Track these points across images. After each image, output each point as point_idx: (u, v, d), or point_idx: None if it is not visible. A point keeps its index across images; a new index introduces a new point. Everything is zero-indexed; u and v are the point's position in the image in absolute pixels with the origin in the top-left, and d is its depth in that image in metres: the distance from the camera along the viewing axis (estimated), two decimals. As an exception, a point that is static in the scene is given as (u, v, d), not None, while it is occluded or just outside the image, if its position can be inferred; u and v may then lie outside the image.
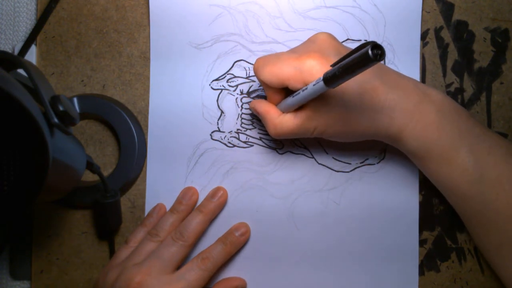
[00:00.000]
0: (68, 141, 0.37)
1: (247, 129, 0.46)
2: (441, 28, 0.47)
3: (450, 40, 0.47)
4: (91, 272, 0.46)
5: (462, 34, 0.47)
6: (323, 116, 0.39)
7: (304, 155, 0.46)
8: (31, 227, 0.46)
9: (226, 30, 0.46)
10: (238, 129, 0.46)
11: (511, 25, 0.47)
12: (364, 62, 0.31)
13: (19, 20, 0.48)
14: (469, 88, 0.47)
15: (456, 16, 0.47)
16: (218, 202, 0.45)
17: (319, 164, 0.46)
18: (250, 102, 0.46)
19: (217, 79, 0.46)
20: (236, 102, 0.46)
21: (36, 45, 0.47)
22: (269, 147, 0.46)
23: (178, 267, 0.42)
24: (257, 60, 0.41)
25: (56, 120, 0.32)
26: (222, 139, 0.46)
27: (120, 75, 0.47)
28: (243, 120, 0.46)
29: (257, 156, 0.46)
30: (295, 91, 0.39)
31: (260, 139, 0.46)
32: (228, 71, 0.46)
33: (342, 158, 0.46)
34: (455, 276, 0.47)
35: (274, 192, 0.46)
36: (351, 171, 0.46)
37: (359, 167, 0.46)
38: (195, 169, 0.46)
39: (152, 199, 0.46)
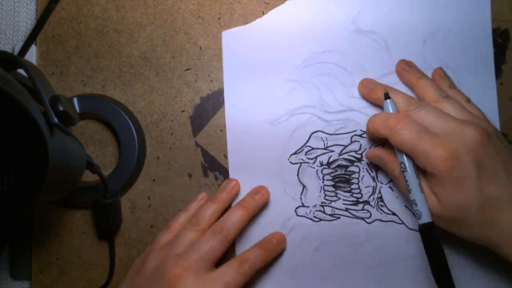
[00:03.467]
0: (68, 141, 0.37)
1: (331, 201, 0.45)
2: (441, 28, 0.47)
3: (450, 40, 0.47)
4: (91, 272, 0.46)
5: (462, 34, 0.47)
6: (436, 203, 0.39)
7: (393, 221, 0.45)
8: (31, 227, 0.46)
9: (300, 103, 0.46)
10: (322, 202, 0.45)
11: (511, 25, 0.47)
12: None
13: (19, 20, 0.48)
14: (469, 88, 0.47)
15: (456, 16, 0.47)
16: (260, 200, 0.45)
17: (410, 229, 0.45)
18: (368, 151, 0.45)
19: (295, 153, 0.46)
20: (317, 174, 0.46)
21: (36, 45, 0.47)
22: (356, 217, 0.45)
23: (217, 262, 0.42)
24: (400, 118, 0.40)
25: (56, 120, 0.32)
26: (307, 214, 0.45)
27: (120, 75, 0.47)
28: (326, 192, 0.45)
29: (346, 228, 0.45)
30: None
31: (346, 210, 0.45)
32: (305, 143, 0.46)
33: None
34: None
35: (368, 262, 0.45)
36: None
37: None
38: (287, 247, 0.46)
39: None
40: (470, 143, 0.38)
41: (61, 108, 0.33)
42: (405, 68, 0.45)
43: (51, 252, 0.46)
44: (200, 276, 0.40)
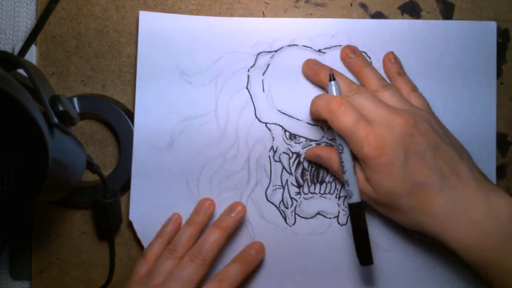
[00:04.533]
0: (68, 141, 0.37)
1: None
2: (441, 28, 0.47)
3: (450, 40, 0.47)
4: (91, 272, 0.46)
5: (462, 34, 0.47)
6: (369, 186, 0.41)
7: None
8: (31, 227, 0.46)
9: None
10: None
11: (511, 25, 0.47)
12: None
13: (19, 20, 0.48)
14: (469, 88, 0.47)
15: (456, 16, 0.47)
16: (237, 218, 0.44)
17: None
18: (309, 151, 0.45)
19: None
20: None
21: (36, 45, 0.47)
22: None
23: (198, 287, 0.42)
24: (341, 103, 0.41)
25: (56, 120, 0.32)
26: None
27: (120, 75, 0.47)
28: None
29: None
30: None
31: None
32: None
33: None
34: None
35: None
36: None
37: None
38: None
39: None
40: (397, 132, 0.39)
41: (61, 108, 0.33)
42: (350, 55, 0.45)
43: (51, 252, 0.46)
44: None
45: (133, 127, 0.45)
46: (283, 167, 0.46)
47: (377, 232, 0.45)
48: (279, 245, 0.45)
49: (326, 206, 0.46)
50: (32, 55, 0.47)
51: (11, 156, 0.29)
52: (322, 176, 0.46)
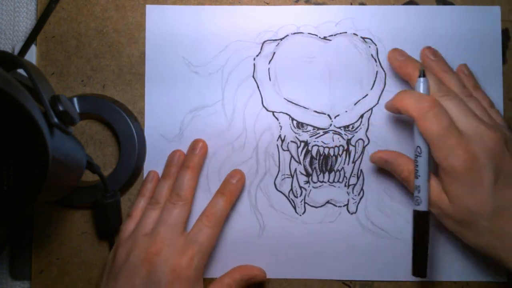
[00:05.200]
0: (68, 141, 0.37)
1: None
2: (441, 28, 0.47)
3: (450, 40, 0.47)
4: (91, 272, 0.46)
5: (462, 34, 0.47)
6: (446, 199, 0.39)
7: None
8: (31, 227, 0.46)
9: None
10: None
11: (511, 25, 0.47)
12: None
13: (19, 20, 0.48)
14: (469, 88, 0.47)
15: (456, 16, 0.47)
16: (200, 154, 0.45)
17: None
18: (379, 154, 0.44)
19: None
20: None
21: (36, 45, 0.47)
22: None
23: (186, 226, 0.43)
24: (435, 105, 0.38)
25: (56, 120, 0.32)
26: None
27: (120, 75, 0.47)
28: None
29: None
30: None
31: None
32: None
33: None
34: None
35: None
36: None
37: None
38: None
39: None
40: (490, 147, 0.37)
41: (61, 108, 0.33)
42: (431, 58, 0.43)
43: (51, 252, 0.46)
44: (175, 244, 0.41)
45: (133, 125, 0.45)
46: (292, 156, 0.46)
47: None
48: (289, 234, 0.46)
49: (336, 194, 0.46)
50: (32, 55, 0.47)
51: (11, 156, 0.29)
52: (331, 164, 0.46)
